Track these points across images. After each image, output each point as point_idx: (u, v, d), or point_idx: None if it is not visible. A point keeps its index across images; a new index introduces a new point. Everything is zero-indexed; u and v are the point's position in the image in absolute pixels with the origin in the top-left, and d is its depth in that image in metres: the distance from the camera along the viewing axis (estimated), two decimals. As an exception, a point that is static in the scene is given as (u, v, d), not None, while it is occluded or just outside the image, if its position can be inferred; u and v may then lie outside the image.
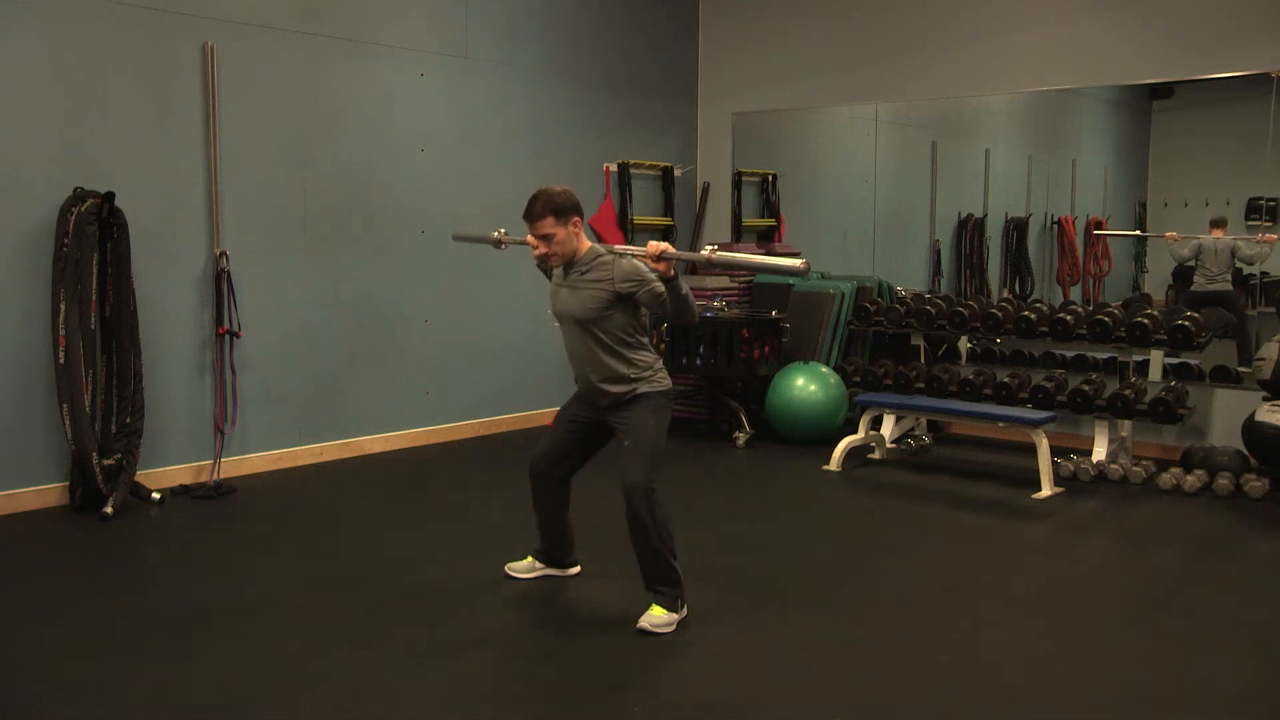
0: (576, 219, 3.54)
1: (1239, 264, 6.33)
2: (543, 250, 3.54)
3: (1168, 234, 6.66)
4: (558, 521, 3.90)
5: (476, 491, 5.36)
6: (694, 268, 7.80)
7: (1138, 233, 7.19)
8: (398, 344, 6.26)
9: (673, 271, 3.40)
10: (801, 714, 2.96)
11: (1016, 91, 6.91)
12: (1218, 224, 6.41)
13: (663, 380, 3.62)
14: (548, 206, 3.48)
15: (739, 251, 7.42)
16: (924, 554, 4.42)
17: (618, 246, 3.60)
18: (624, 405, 3.57)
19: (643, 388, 3.56)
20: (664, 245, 3.38)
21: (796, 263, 3.24)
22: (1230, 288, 6.37)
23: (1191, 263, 6.53)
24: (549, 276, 3.78)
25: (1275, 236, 6.00)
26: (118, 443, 4.86)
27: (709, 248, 3.41)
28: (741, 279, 7.44)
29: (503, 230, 4.21)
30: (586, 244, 3.59)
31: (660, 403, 3.59)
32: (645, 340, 3.65)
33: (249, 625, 3.53)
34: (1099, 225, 7.34)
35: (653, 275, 3.44)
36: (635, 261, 3.49)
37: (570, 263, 3.59)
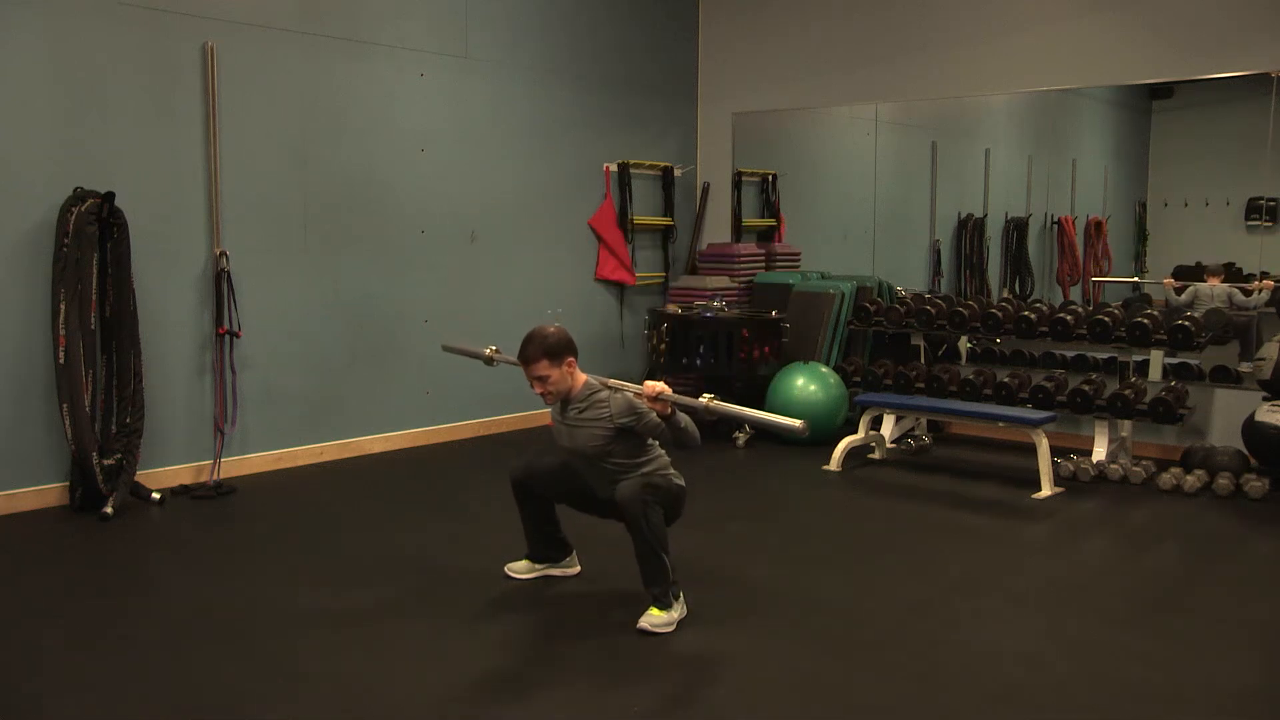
0: (571, 359, 3.57)
1: (1236, 307, 6.35)
2: (538, 390, 3.58)
3: (1165, 280, 6.68)
4: (544, 524, 3.91)
5: (476, 491, 5.36)
6: (693, 266, 7.81)
7: (1135, 279, 7.20)
8: (398, 344, 6.26)
9: (670, 410, 3.40)
10: (801, 714, 2.96)
11: (1016, 91, 6.91)
12: (1213, 272, 6.42)
13: (676, 479, 3.64)
14: (541, 349, 3.52)
15: (738, 253, 7.46)
16: (924, 554, 4.42)
17: (613, 381, 3.60)
18: None
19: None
20: (660, 386, 3.37)
21: (795, 423, 3.24)
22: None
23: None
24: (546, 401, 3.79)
25: (1271, 283, 6.02)
26: (118, 443, 4.86)
27: (706, 397, 3.35)
28: (741, 279, 7.44)
29: (494, 348, 4.23)
30: (582, 379, 3.62)
31: (673, 484, 3.59)
32: (654, 449, 3.64)
33: (249, 625, 3.53)
34: (1099, 225, 7.34)
35: (649, 409, 3.45)
36: (630, 396, 3.50)
37: (566, 400, 3.62)
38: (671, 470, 3.66)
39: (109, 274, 4.85)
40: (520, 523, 3.93)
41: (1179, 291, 6.52)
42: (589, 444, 3.58)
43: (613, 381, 3.60)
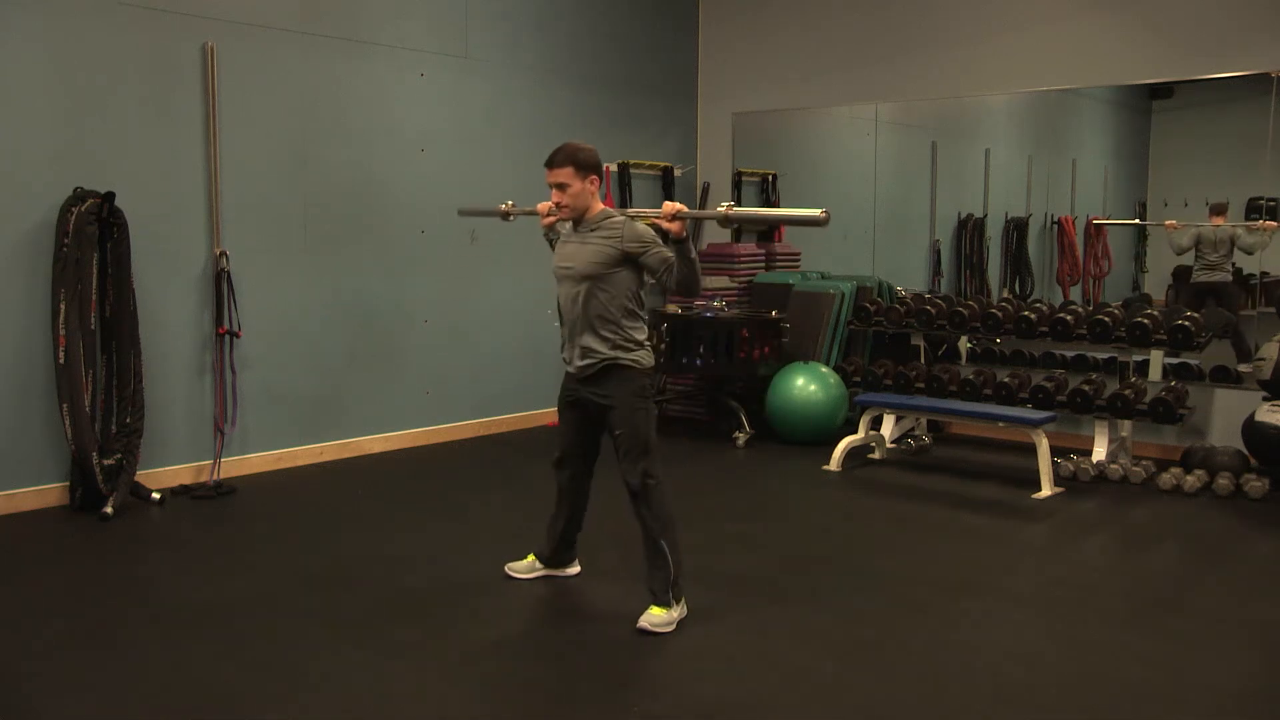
0: (595, 178, 3.60)
1: (1239, 250, 6.33)
2: (555, 199, 3.59)
3: (1167, 222, 6.68)
4: (571, 522, 3.89)
5: (476, 491, 5.36)
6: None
7: (1137, 221, 7.20)
8: (398, 344, 6.26)
9: (685, 233, 3.43)
10: (801, 714, 2.96)
11: (1016, 91, 6.91)
12: (1217, 211, 6.41)
13: (645, 359, 3.59)
14: (569, 158, 3.55)
15: (738, 253, 7.46)
16: (924, 554, 4.42)
17: (631, 210, 3.63)
18: (601, 378, 3.56)
19: (623, 359, 3.54)
20: (678, 205, 3.41)
21: (816, 211, 3.14)
22: (1229, 278, 6.38)
23: (1190, 251, 6.54)
24: (553, 247, 3.80)
25: (1275, 224, 6.00)
26: (118, 443, 4.86)
27: (724, 205, 3.40)
28: (741, 279, 7.44)
29: (510, 203, 4.23)
30: (600, 206, 3.63)
31: (640, 384, 3.56)
32: (642, 316, 3.64)
33: (249, 625, 3.53)
34: (1099, 225, 7.34)
35: (660, 245, 3.47)
36: (645, 227, 3.54)
37: (580, 220, 3.62)
38: (645, 347, 3.60)
39: (109, 274, 4.85)
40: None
41: (1181, 234, 6.51)
42: (591, 260, 3.53)
43: (632, 210, 3.62)
